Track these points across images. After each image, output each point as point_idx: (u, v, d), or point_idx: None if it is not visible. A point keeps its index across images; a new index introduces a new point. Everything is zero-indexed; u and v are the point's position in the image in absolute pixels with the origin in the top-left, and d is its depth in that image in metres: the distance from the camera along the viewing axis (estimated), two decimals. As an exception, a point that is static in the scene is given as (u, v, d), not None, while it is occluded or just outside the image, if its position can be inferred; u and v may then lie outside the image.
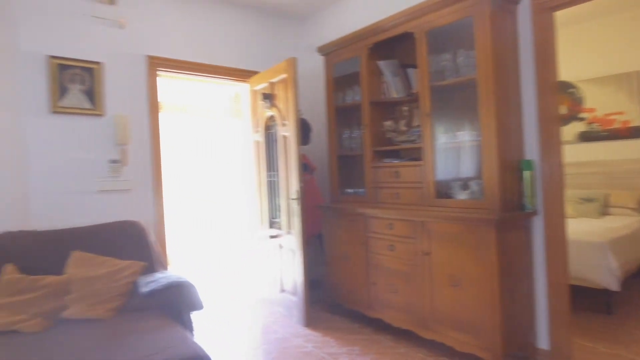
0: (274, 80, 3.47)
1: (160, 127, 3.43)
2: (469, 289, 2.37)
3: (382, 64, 3.10)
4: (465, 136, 2.61)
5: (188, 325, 2.40)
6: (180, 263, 4.53)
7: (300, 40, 4.30)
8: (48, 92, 2.90)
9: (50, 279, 2.33)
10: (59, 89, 2.93)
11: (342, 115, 3.53)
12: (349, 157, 3.50)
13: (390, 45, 3.10)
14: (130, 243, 2.72)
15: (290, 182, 3.31)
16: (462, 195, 2.59)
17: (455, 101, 2.75)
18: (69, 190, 2.96)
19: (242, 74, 3.88)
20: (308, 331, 3.11)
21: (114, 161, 3.15)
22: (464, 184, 2.63)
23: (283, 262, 3.50)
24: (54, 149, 2.92)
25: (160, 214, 3.39)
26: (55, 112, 2.92)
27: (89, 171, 3.05)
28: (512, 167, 2.46)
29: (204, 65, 3.66)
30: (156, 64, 3.39)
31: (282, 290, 3.53)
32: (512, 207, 2.45)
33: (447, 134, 2.71)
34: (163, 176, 3.43)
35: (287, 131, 3.33)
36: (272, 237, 3.63)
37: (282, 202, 3.46)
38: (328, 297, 3.52)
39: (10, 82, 2.71)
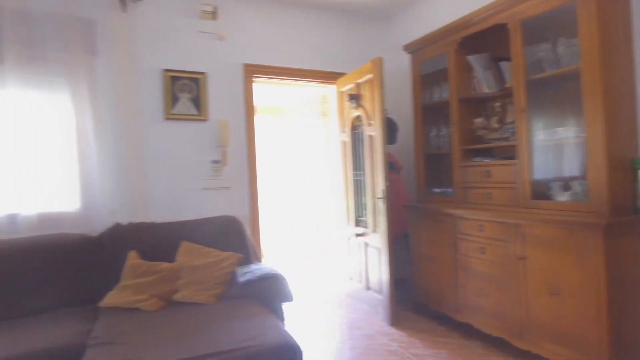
0: (360, 80, 3.53)
1: (255, 130, 3.70)
2: (571, 298, 2.18)
3: (472, 58, 2.98)
4: (567, 132, 2.40)
5: (279, 315, 2.57)
6: (272, 256, 4.83)
7: (385, 39, 4.30)
8: (163, 101, 3.32)
9: (165, 265, 2.67)
10: (172, 98, 3.33)
11: (429, 114, 3.46)
12: (436, 155, 3.42)
13: (480, 38, 2.96)
14: (229, 236, 2.99)
15: (376, 181, 3.34)
16: (562, 197, 2.39)
17: (554, 94, 2.54)
18: (179, 187, 3.35)
19: (329, 76, 4.00)
20: (393, 330, 3.12)
21: (216, 161, 3.49)
22: (565, 184, 2.42)
23: (369, 260, 3.54)
24: (166, 151, 3.33)
25: (255, 210, 3.66)
26: (168, 119, 3.33)
27: (195, 170, 3.42)
28: (624, 166, 2.21)
29: (293, 69, 3.86)
30: (251, 71, 3.67)
31: (368, 288, 3.58)
32: (624, 211, 2.19)
33: (545, 131, 2.52)
34: (257, 175, 3.70)
35: (373, 131, 3.37)
36: (358, 235, 3.70)
37: (368, 201, 3.51)
38: (413, 296, 3.49)
39: (135, 94, 3.16)
